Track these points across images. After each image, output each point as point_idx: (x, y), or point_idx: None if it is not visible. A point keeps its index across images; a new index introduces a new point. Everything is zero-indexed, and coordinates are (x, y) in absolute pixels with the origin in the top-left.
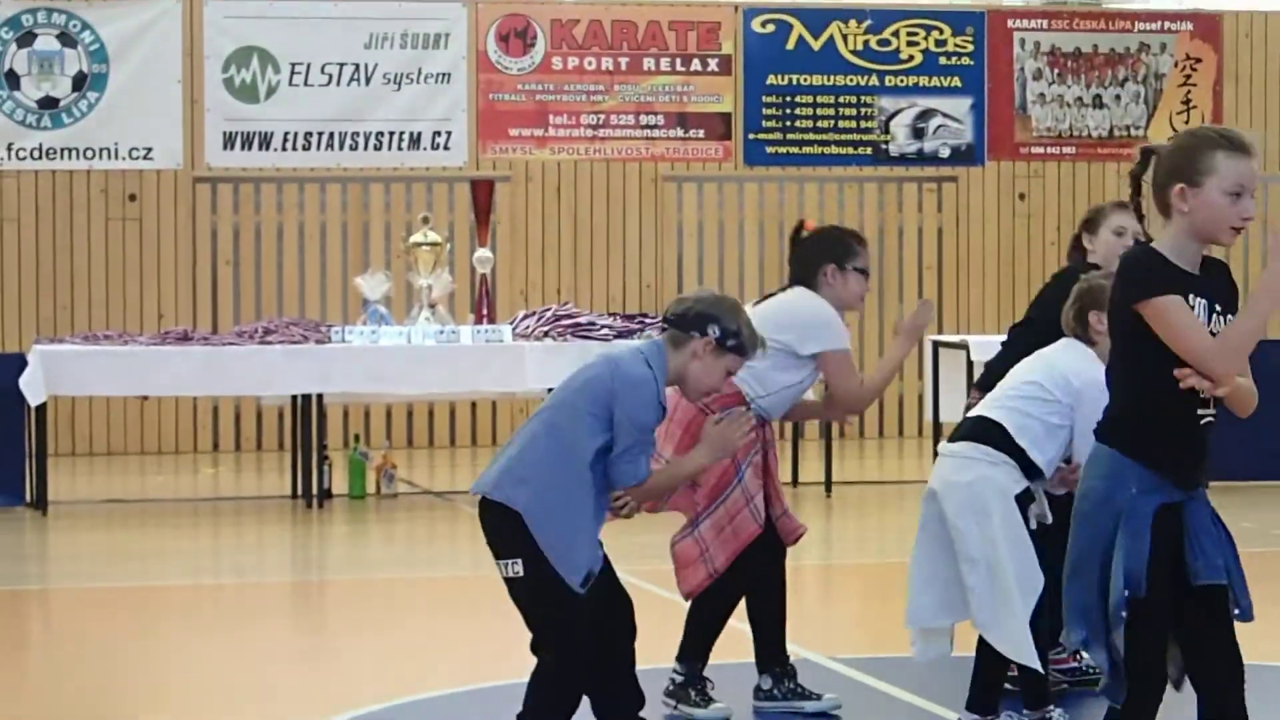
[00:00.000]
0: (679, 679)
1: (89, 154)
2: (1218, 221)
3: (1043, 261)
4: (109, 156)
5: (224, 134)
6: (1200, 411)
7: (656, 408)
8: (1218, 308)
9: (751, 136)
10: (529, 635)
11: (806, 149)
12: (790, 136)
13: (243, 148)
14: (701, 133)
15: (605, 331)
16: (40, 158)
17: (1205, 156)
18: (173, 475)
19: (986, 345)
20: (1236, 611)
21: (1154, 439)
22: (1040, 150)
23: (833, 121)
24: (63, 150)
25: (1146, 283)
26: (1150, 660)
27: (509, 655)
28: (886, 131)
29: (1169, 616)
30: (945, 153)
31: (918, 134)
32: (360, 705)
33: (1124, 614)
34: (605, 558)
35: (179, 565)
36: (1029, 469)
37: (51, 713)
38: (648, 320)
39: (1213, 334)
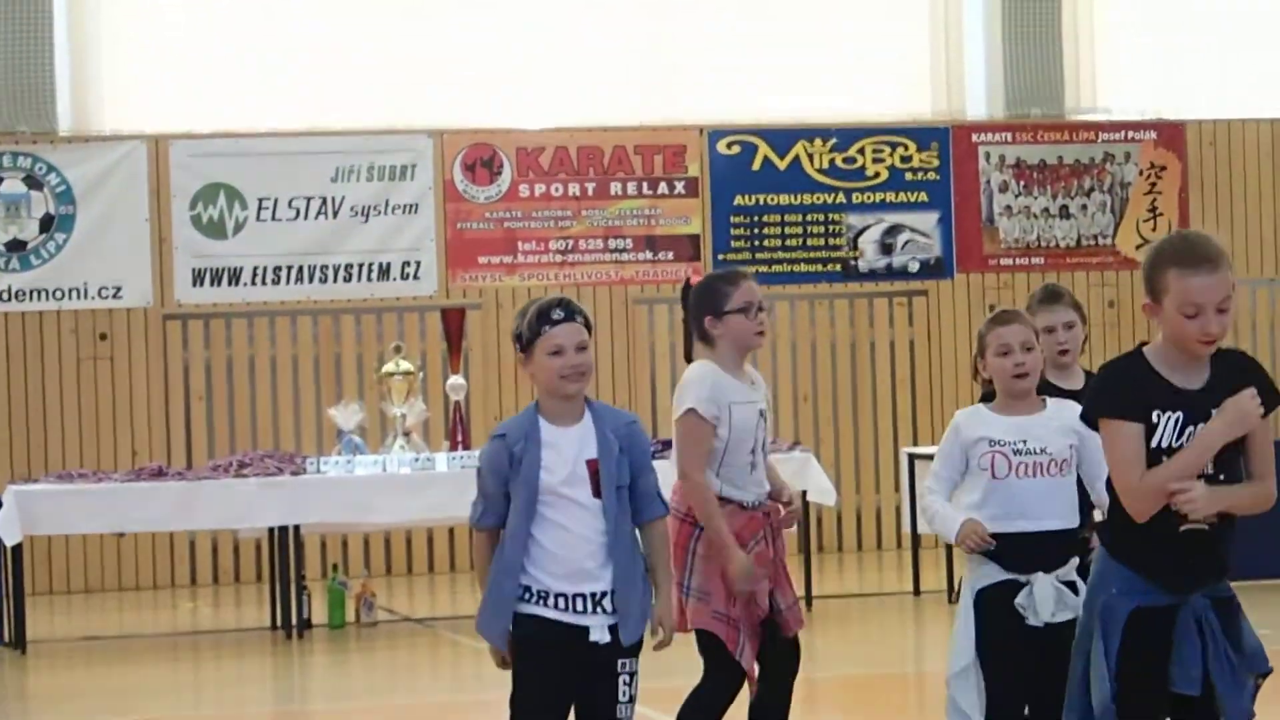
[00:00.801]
0: None
1: (58, 294)
2: (1181, 339)
3: None
4: (78, 296)
5: (193, 270)
6: (1180, 522)
7: (488, 460)
8: (1198, 425)
9: (721, 257)
10: None
11: (776, 267)
12: (759, 255)
13: (212, 283)
14: (671, 254)
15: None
16: (9, 299)
17: (1159, 274)
18: (151, 611)
19: None
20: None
21: (1132, 543)
22: (1009, 261)
23: (801, 239)
24: (32, 292)
25: (1108, 400)
26: None
27: None
28: (855, 248)
29: (1156, 715)
30: (914, 267)
31: (886, 249)
32: None
33: (1113, 708)
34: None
35: (160, 701)
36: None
37: None
38: None
39: (1181, 449)
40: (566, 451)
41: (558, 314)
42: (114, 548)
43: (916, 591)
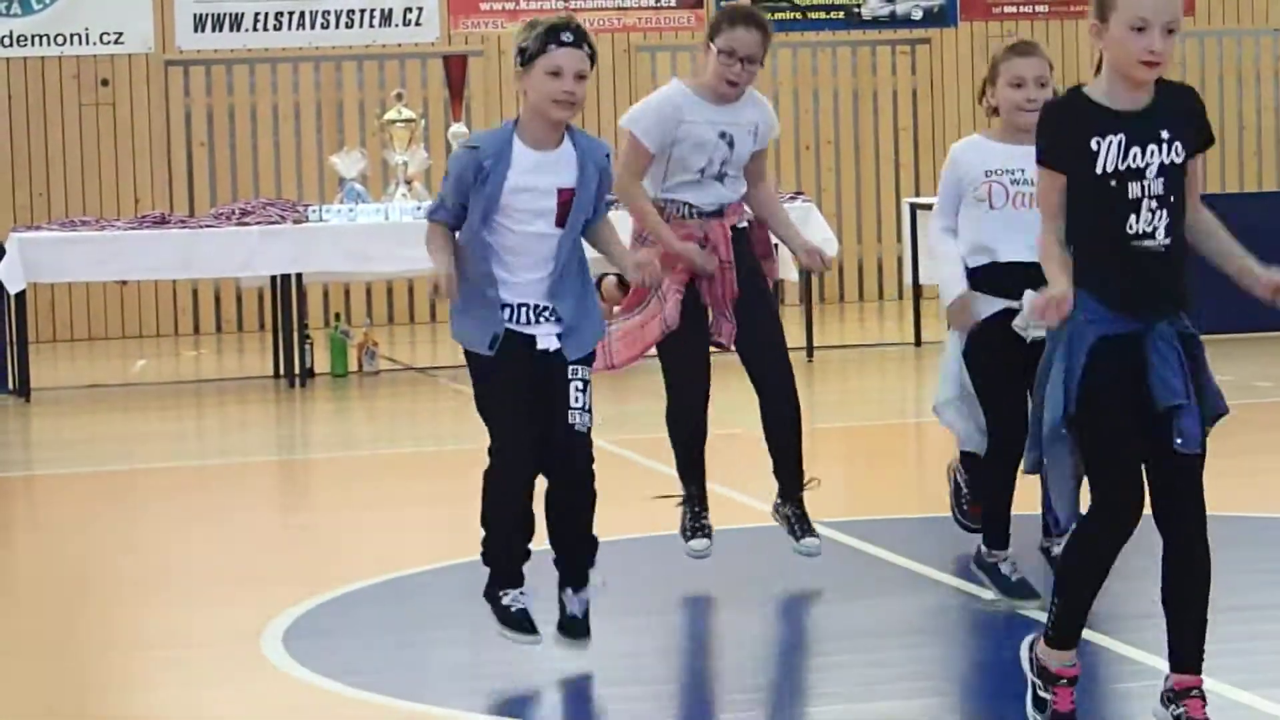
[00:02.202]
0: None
1: (59, 40)
2: (1124, 58)
3: None
4: (80, 42)
5: (194, 16)
6: (1135, 246)
7: (456, 168)
8: (1144, 145)
9: (724, 3)
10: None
11: (779, 15)
12: (763, 3)
13: (214, 29)
14: (673, 1)
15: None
16: (11, 45)
17: None
18: (154, 359)
19: None
20: (1179, 440)
21: (1092, 267)
22: (1013, 9)
23: None
24: (33, 37)
25: (1041, 145)
26: (1109, 484)
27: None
28: None
29: (1125, 442)
30: (918, 15)
31: None
32: (350, 582)
33: (1063, 432)
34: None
35: (163, 448)
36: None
37: (40, 598)
38: None
39: (1132, 168)
40: (538, 178)
41: (567, 36)
42: (117, 296)
43: (918, 342)
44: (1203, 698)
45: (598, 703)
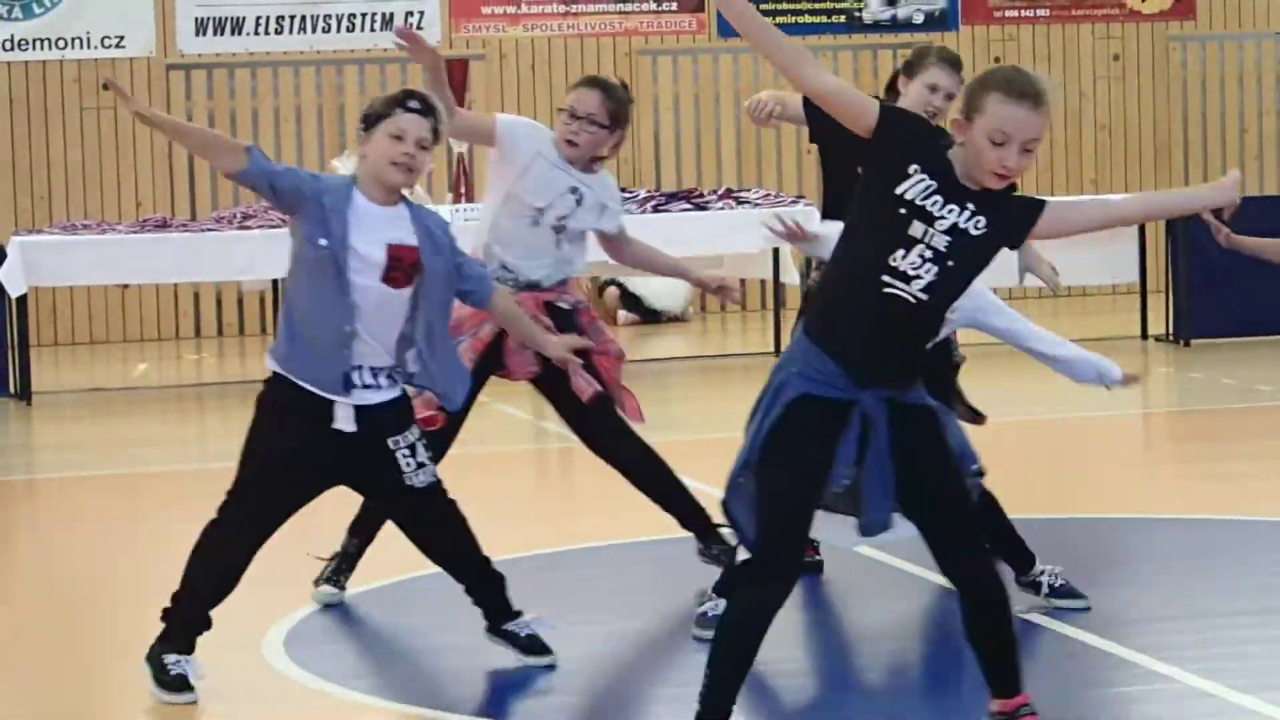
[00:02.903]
0: None
1: (61, 44)
2: (979, 163)
3: None
4: (81, 46)
5: (196, 20)
6: (886, 281)
7: (300, 177)
8: (949, 201)
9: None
10: (520, 505)
11: (780, 19)
12: (764, 6)
13: (215, 33)
14: (675, 5)
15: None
16: (12, 49)
17: (981, 95)
18: (156, 362)
19: None
20: (860, 533)
21: (831, 307)
22: (1014, 14)
23: None
24: (35, 41)
25: (887, 109)
26: (767, 540)
27: (510, 528)
28: None
29: (789, 504)
30: (919, 19)
31: (891, 1)
32: (351, 586)
33: (740, 481)
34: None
35: (166, 452)
36: None
37: (47, 601)
38: (625, 194)
39: (925, 210)
40: (371, 229)
41: (414, 104)
42: (118, 299)
43: None
44: (1034, 711)
45: (598, 705)
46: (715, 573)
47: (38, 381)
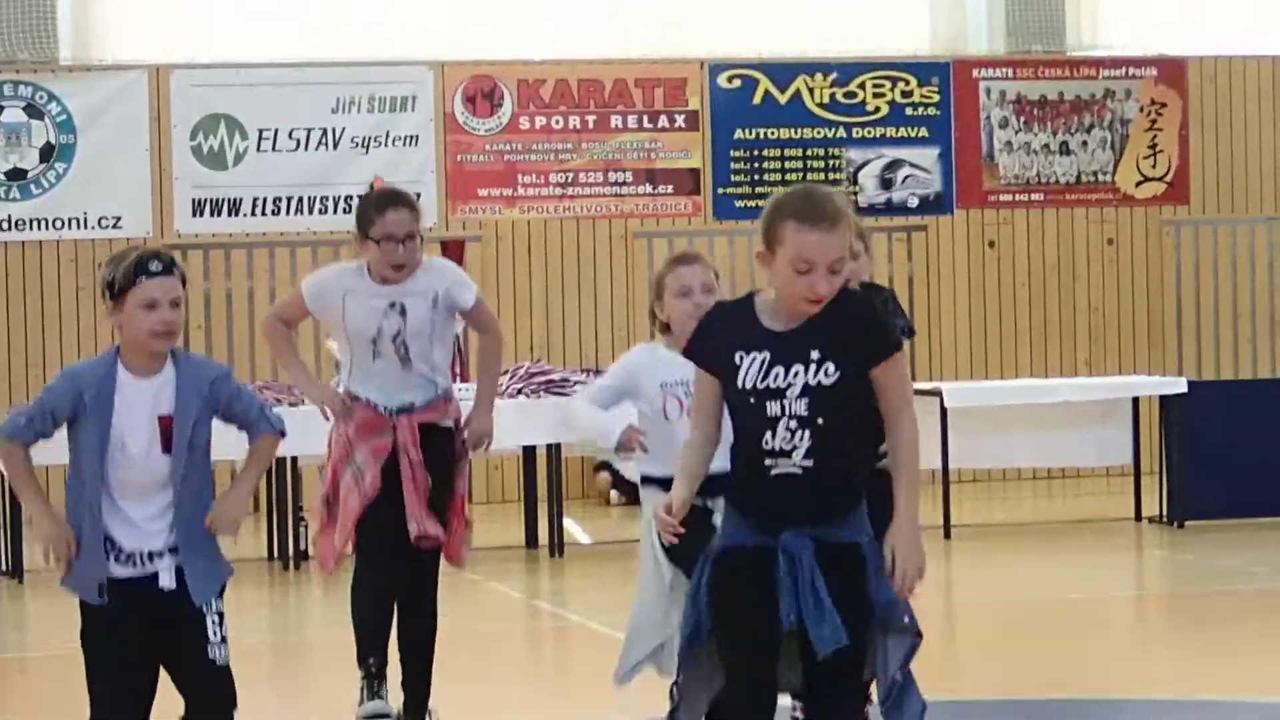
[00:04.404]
0: None
1: (58, 224)
2: (788, 293)
3: (1014, 307)
4: (78, 226)
5: (193, 201)
6: (770, 464)
7: (54, 395)
8: (788, 366)
9: (720, 191)
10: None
11: None
12: (759, 190)
13: (212, 214)
14: (670, 188)
15: (578, 388)
16: (9, 229)
17: (777, 225)
18: None
19: (959, 392)
20: (816, 650)
21: (736, 475)
22: (1009, 198)
23: (800, 174)
24: (32, 221)
25: (695, 344)
26: (731, 690)
27: (508, 706)
28: (855, 183)
29: (744, 654)
30: (914, 202)
31: (886, 184)
32: None
33: (691, 652)
34: None
35: None
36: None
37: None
38: None
39: (771, 388)
40: (138, 405)
41: (155, 266)
42: None
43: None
44: None
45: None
46: None
47: (29, 559)
